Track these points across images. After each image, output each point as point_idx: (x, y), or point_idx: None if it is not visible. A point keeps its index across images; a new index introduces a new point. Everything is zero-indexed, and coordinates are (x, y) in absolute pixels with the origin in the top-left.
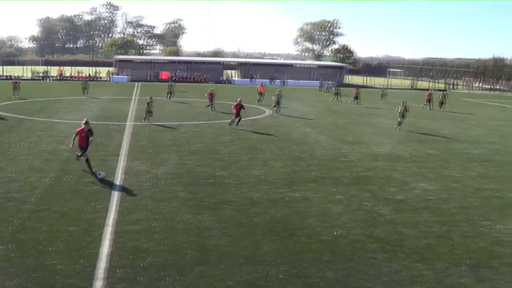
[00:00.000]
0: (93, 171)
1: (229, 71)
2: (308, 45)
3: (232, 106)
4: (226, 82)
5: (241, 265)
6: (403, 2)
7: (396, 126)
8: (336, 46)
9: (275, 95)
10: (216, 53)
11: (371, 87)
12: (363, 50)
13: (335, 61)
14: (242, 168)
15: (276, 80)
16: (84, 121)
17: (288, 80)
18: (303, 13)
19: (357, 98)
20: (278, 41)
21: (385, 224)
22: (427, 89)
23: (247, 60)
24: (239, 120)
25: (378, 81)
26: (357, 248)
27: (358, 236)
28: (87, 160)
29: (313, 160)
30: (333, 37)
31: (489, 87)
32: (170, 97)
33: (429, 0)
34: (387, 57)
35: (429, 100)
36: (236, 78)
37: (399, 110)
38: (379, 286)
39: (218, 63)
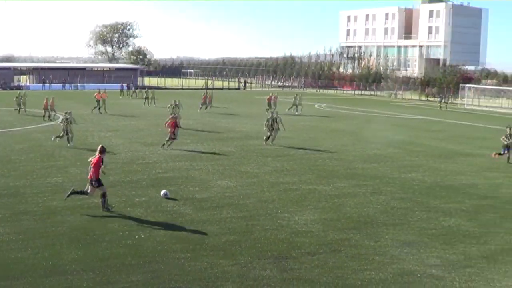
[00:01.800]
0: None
1: (21, 77)
2: (102, 47)
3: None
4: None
5: (45, 277)
6: (194, 2)
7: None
8: (131, 48)
9: None
10: (8, 59)
11: (166, 88)
12: (160, 52)
13: (130, 63)
14: (39, 176)
15: (71, 84)
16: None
17: (83, 84)
18: (96, 15)
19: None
20: (71, 44)
21: (187, 223)
22: (221, 88)
23: (40, 64)
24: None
25: (173, 82)
26: (161, 249)
27: (161, 237)
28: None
29: (111, 164)
30: (127, 39)
31: (280, 84)
32: None
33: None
34: (183, 58)
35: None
36: (29, 84)
37: (268, 124)
38: (186, 285)
39: (9, 68)
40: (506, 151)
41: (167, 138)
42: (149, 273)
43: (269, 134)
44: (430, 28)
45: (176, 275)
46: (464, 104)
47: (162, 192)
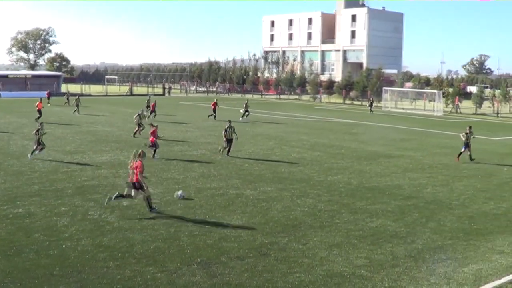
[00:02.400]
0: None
1: None
2: (23, 54)
3: None
4: None
5: None
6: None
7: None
8: (51, 55)
9: None
10: None
11: (91, 95)
12: (79, 58)
13: (50, 70)
14: None
15: None
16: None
17: (2, 92)
18: (15, 21)
19: (149, 107)
20: None
21: (113, 231)
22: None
23: None
24: None
25: (95, 88)
26: (87, 258)
27: (87, 246)
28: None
29: (35, 173)
30: (48, 46)
31: (205, 89)
32: None
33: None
34: (104, 64)
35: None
36: None
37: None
38: None
39: None
40: (465, 149)
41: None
42: (76, 283)
43: (225, 145)
44: (351, 32)
45: (104, 284)
46: (387, 107)
47: (178, 193)
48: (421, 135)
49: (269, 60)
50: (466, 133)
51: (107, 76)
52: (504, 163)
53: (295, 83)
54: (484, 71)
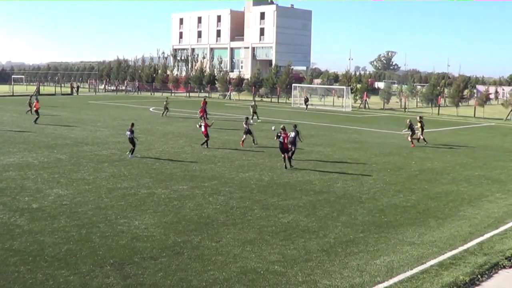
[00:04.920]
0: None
1: None
2: None
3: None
4: None
5: None
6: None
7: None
8: None
9: None
10: None
11: None
12: None
13: None
14: None
15: None
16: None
17: None
18: None
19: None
20: None
21: (23, 235)
22: (53, 94)
23: None
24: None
25: (1, 88)
26: None
27: None
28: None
29: None
30: None
31: (114, 88)
32: None
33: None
34: (10, 64)
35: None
36: None
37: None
38: None
39: None
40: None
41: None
42: None
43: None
44: (260, 30)
45: None
46: (297, 103)
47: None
48: (330, 130)
49: (179, 58)
50: (411, 126)
51: (13, 76)
52: (412, 157)
53: (205, 81)
54: (391, 67)
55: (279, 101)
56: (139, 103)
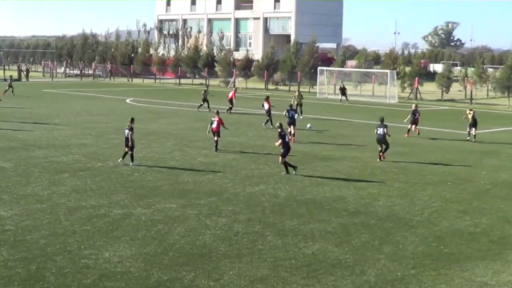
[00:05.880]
0: None
1: None
2: None
3: None
4: None
5: None
6: None
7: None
8: None
9: None
10: None
11: None
12: None
13: None
14: None
15: None
16: None
17: None
18: None
19: None
20: None
21: None
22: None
23: None
24: None
25: None
26: None
27: None
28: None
29: None
30: None
31: (78, 72)
32: None
33: None
34: None
35: None
36: None
37: None
38: None
39: None
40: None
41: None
42: None
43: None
44: None
45: None
46: (324, 93)
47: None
48: (368, 129)
49: (166, 32)
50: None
51: None
52: (482, 165)
53: (201, 63)
54: (452, 44)
55: (300, 89)
56: (112, 93)
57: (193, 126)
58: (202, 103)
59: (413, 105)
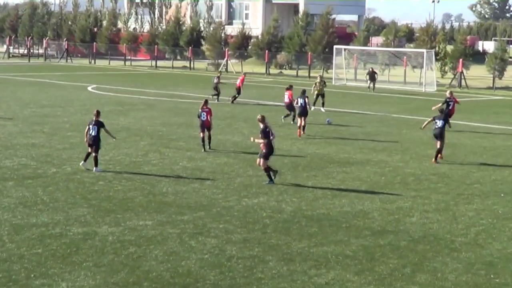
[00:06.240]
0: None
1: None
2: None
3: None
4: None
5: None
6: None
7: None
8: None
9: None
10: None
11: None
12: None
13: None
14: None
15: None
16: None
17: None
18: None
19: None
20: None
21: None
22: None
23: None
24: None
25: None
26: None
27: None
28: None
29: None
30: None
31: (25, 51)
32: None
33: None
34: None
35: None
36: None
37: None
38: None
39: None
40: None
41: None
42: None
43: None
44: None
45: None
46: (342, 78)
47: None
48: (399, 125)
49: (138, 0)
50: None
51: None
52: None
53: (183, 41)
54: (508, 15)
55: (311, 74)
56: (70, 78)
57: (173, 121)
58: (216, 92)
59: (448, 92)
